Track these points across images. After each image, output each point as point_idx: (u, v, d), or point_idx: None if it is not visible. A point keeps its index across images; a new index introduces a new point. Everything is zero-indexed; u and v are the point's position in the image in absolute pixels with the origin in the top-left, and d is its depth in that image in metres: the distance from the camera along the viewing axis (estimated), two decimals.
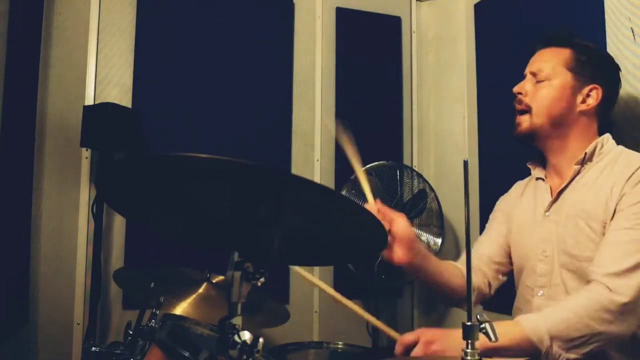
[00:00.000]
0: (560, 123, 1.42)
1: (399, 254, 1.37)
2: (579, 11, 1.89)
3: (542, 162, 1.55)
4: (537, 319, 1.20)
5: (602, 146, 1.40)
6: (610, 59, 1.49)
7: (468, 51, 2.52)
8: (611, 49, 1.71)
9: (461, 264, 1.62)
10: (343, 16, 2.61)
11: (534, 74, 1.47)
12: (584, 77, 1.42)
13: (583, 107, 1.41)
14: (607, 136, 1.43)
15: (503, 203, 1.67)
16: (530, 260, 1.47)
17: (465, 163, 1.24)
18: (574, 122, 1.42)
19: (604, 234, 1.28)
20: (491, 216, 1.69)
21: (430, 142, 2.71)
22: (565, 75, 1.43)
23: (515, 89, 1.48)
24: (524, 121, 1.46)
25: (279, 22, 2.52)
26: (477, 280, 1.57)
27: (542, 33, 1.52)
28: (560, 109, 1.41)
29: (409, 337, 1.19)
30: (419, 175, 2.41)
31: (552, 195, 1.46)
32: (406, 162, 2.62)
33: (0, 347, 1.80)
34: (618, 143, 1.45)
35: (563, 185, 1.42)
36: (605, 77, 1.44)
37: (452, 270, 1.56)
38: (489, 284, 1.60)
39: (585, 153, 1.39)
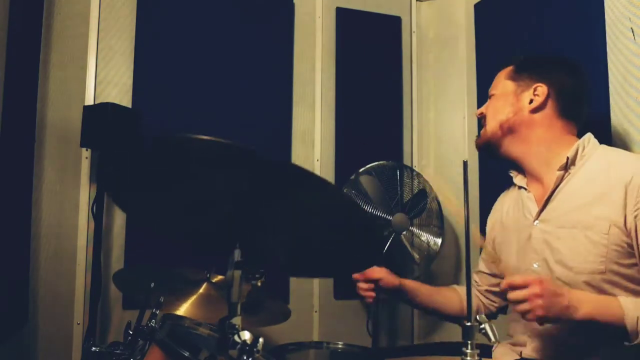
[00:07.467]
0: (511, 127, 1.46)
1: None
2: (579, 11, 1.89)
3: (523, 171, 1.54)
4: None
5: (584, 148, 1.38)
6: (552, 59, 1.52)
7: (468, 51, 2.53)
8: (611, 49, 1.71)
9: (461, 289, 1.70)
10: (343, 16, 2.61)
11: (489, 96, 1.57)
12: (525, 79, 1.47)
13: (531, 106, 1.44)
14: (588, 137, 1.41)
15: (489, 222, 1.68)
16: (520, 271, 1.44)
17: (465, 164, 1.24)
18: (528, 123, 1.45)
19: (606, 245, 1.25)
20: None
21: (430, 142, 2.71)
22: (504, 84, 1.51)
23: (477, 114, 1.59)
24: (481, 134, 1.55)
25: (279, 22, 2.52)
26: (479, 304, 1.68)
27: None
28: (506, 113, 1.47)
29: (517, 280, 1.18)
30: (419, 175, 2.41)
31: (538, 205, 1.43)
32: (406, 162, 2.62)
33: (0, 347, 1.79)
34: (620, 144, 1.43)
35: (549, 193, 1.39)
36: (548, 75, 1.46)
37: (449, 296, 1.67)
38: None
39: (568, 158, 1.37)
